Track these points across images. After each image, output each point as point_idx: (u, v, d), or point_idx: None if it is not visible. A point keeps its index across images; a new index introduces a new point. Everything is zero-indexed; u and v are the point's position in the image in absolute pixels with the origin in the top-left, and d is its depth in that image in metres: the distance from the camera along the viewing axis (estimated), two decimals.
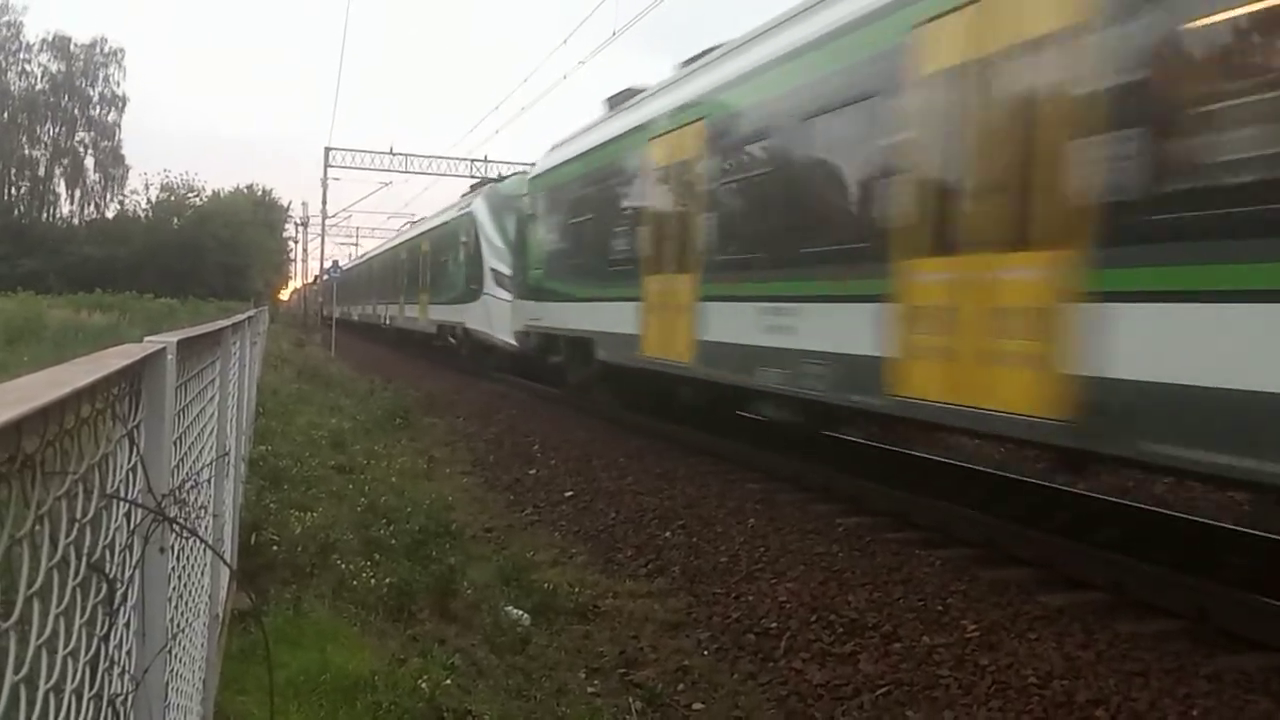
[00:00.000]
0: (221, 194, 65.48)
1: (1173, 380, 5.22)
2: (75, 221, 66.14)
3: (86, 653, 1.45)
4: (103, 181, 68.39)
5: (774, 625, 6.06)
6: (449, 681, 4.63)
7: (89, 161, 67.82)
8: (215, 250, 58.02)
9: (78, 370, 1.46)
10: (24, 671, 1.10)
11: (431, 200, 65.13)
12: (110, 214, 66.83)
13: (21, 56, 64.40)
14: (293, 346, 30.04)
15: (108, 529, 1.63)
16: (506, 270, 21.28)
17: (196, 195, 63.79)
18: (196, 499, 2.78)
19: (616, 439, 13.38)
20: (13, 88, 63.59)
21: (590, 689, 5.23)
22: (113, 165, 68.32)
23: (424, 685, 4.43)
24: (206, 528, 3.29)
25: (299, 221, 64.84)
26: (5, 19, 62.88)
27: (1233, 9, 5.01)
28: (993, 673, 5.13)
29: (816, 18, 8.97)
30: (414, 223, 41.20)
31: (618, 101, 15.40)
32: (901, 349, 7.44)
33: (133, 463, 1.81)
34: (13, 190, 64.86)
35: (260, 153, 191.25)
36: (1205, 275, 5.09)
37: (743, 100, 10.32)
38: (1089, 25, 5.77)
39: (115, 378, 1.61)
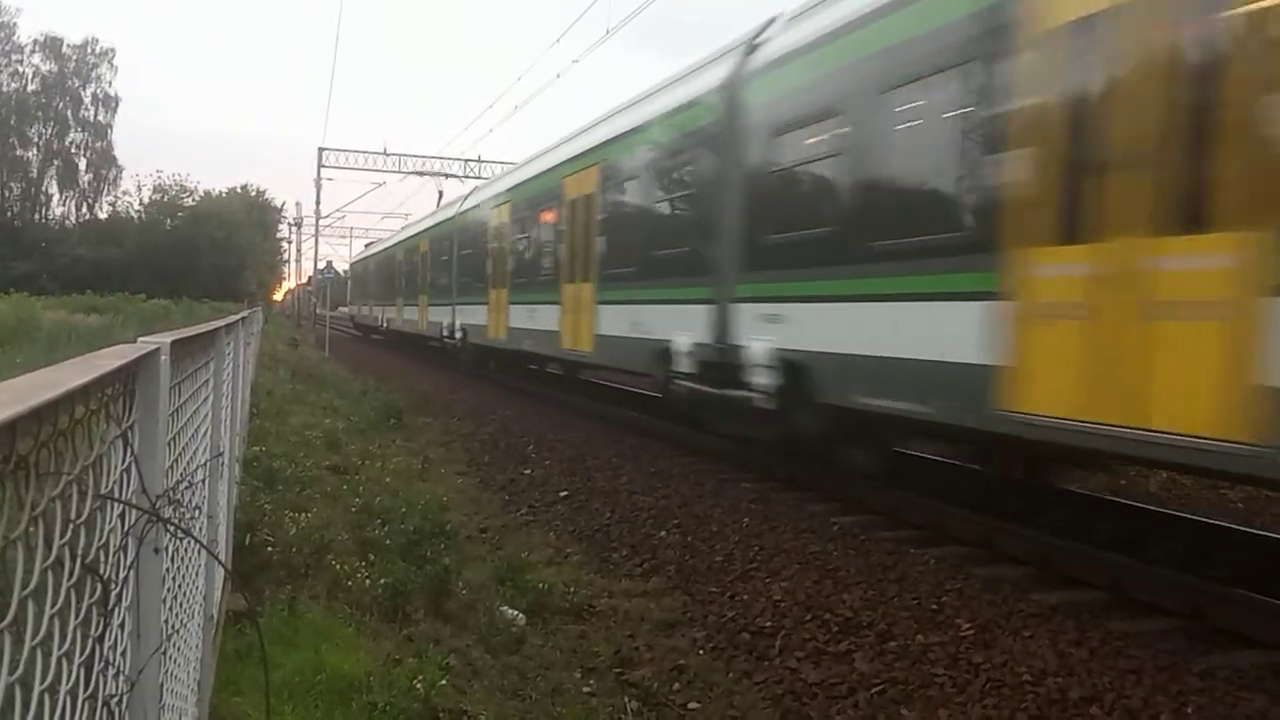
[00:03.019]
0: (215, 194, 65.38)
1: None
2: (68, 223, 65.96)
3: (81, 653, 1.45)
4: (95, 182, 68.29)
5: (769, 624, 6.07)
6: (444, 682, 4.63)
7: (81, 162, 67.67)
8: (209, 251, 57.86)
9: (71, 371, 1.46)
10: (18, 672, 1.10)
11: (426, 200, 64.85)
12: (103, 215, 66.71)
13: (14, 58, 64.25)
14: (287, 347, 29.99)
15: (102, 530, 1.62)
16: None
17: (189, 196, 63.65)
18: (191, 500, 2.78)
19: (611, 438, 13.39)
20: (5, 89, 63.37)
21: (586, 688, 5.23)
22: (105, 166, 68.21)
23: (419, 685, 4.43)
24: (201, 528, 3.28)
25: (292, 222, 64.80)
26: None
27: None
28: (987, 671, 5.15)
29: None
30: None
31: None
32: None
33: (127, 463, 1.81)
34: (5, 192, 64.63)
35: (254, 153, 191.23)
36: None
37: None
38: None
39: (109, 378, 1.61)
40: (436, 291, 27.43)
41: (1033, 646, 5.40)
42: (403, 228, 42.05)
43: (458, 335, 23.93)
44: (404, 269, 34.14)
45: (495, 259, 20.47)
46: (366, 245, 54.75)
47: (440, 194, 43.71)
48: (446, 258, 26.08)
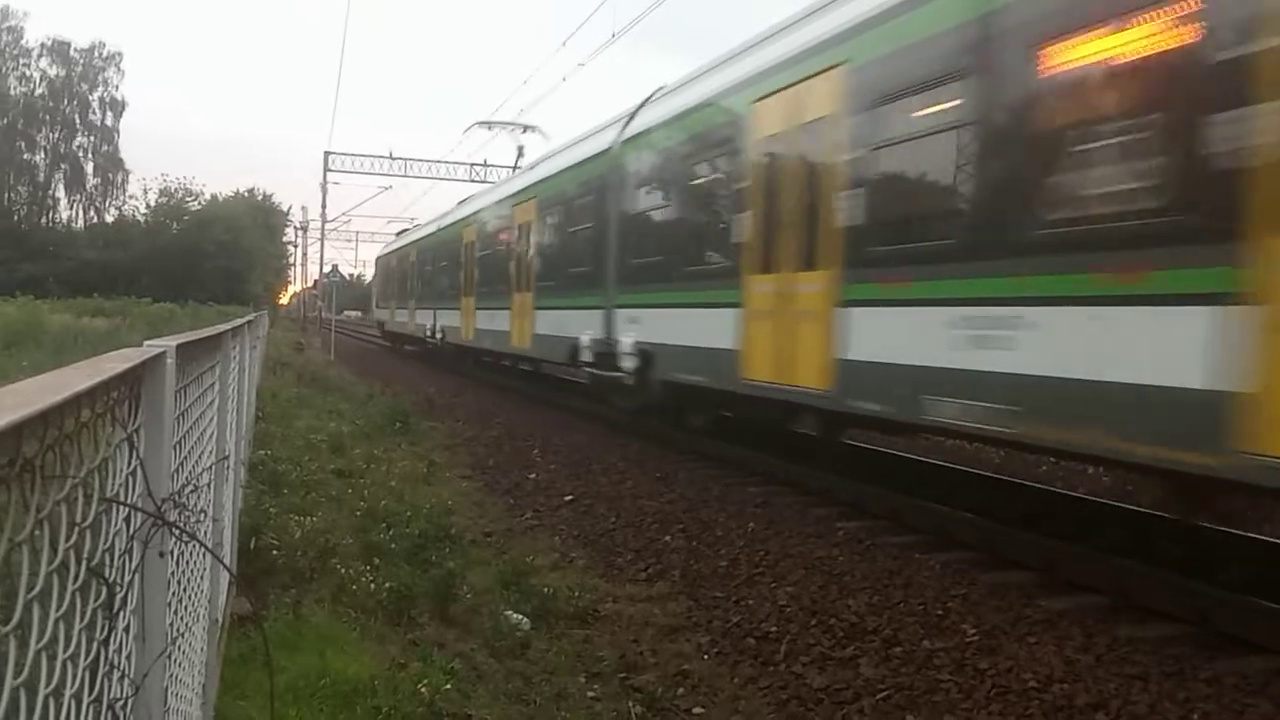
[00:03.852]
0: (221, 198, 65.45)
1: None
2: (75, 226, 66.23)
3: (86, 657, 1.45)
4: (102, 186, 68.58)
5: (774, 629, 6.05)
6: (448, 686, 4.63)
7: (88, 166, 67.99)
8: (215, 254, 57.88)
9: (77, 374, 1.46)
10: (24, 676, 1.10)
11: (430, 204, 64.80)
12: (109, 218, 66.93)
13: (21, 62, 64.55)
14: (293, 351, 30.05)
15: (107, 533, 1.63)
16: None
17: (196, 199, 63.70)
18: (196, 503, 2.78)
19: (615, 442, 13.38)
20: (13, 93, 63.64)
21: (590, 693, 5.22)
22: (112, 170, 68.51)
23: (423, 690, 4.43)
24: (206, 532, 3.28)
25: (298, 226, 64.96)
26: (6, 24, 63.02)
27: None
28: (993, 676, 5.13)
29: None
30: None
31: None
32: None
33: (132, 467, 1.81)
34: (12, 195, 64.90)
35: (260, 157, 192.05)
36: None
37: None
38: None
39: (115, 382, 1.61)
40: (557, 285, 16.54)
41: (1038, 652, 5.38)
42: (462, 201, 29.90)
43: (627, 364, 12.81)
44: (477, 255, 23.11)
45: (763, 216, 9.62)
46: (399, 233, 47.10)
47: (520, 150, 33.39)
48: (585, 228, 15.26)
